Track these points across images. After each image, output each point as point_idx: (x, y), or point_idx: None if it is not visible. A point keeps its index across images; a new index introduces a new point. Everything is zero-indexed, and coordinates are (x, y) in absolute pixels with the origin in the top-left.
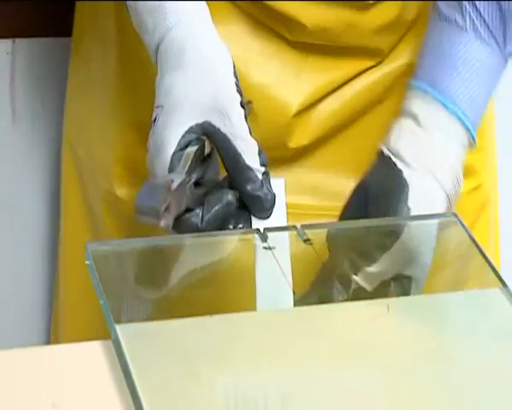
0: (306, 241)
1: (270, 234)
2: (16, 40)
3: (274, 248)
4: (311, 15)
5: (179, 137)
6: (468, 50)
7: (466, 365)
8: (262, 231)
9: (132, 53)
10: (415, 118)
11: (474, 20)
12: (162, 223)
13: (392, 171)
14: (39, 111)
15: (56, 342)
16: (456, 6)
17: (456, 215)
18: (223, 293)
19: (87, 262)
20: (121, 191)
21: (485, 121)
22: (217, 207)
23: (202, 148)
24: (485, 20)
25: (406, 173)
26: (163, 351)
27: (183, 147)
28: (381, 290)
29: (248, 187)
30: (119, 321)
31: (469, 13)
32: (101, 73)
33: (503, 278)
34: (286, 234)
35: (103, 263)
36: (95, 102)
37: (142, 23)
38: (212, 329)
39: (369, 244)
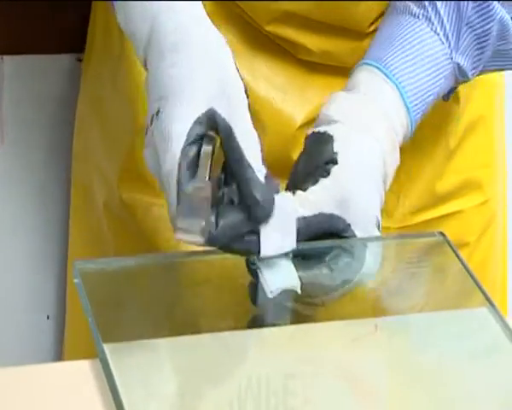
0: None
1: None
2: (4, 57)
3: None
4: (317, 41)
5: (187, 130)
6: (418, 34)
7: (453, 384)
8: None
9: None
10: (353, 86)
11: (430, 14)
12: (206, 240)
13: (320, 135)
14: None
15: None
16: (417, 2)
17: (443, 234)
18: (212, 311)
19: (75, 280)
20: (126, 196)
21: (494, 137)
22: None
23: (214, 146)
24: (441, 19)
25: (337, 131)
26: (151, 370)
27: (191, 141)
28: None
29: (248, 188)
30: (106, 340)
31: (427, 8)
32: (111, 84)
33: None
34: None
35: (92, 281)
36: (104, 115)
37: (130, 18)
38: (201, 348)
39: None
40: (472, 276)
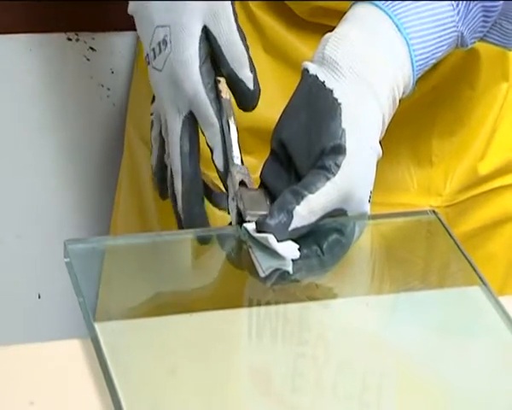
0: None
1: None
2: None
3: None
4: None
5: (197, 51)
6: None
7: (445, 363)
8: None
9: None
10: (357, 23)
11: None
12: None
13: (321, 91)
14: None
15: None
16: None
17: (435, 212)
18: (205, 290)
19: (66, 260)
20: None
21: None
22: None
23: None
24: None
25: (341, 88)
26: (142, 349)
27: (203, 59)
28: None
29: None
30: (97, 319)
31: None
32: None
33: None
34: None
35: (83, 260)
36: None
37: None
38: (192, 327)
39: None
40: (465, 254)
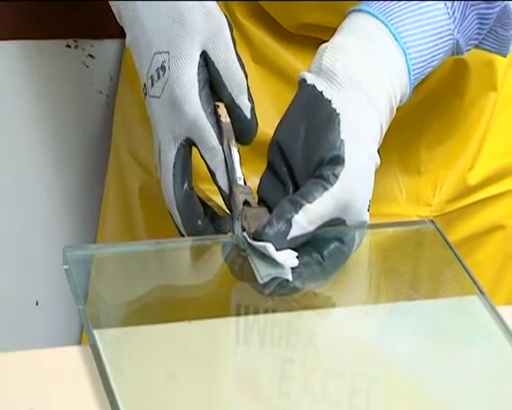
0: None
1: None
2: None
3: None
4: None
5: (196, 75)
6: None
7: (444, 371)
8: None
9: None
10: (353, 33)
11: None
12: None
13: (319, 101)
14: None
15: None
16: None
17: (433, 222)
18: (204, 298)
19: (65, 267)
20: None
21: None
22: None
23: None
24: None
25: (339, 98)
26: (141, 356)
27: (202, 84)
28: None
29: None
30: (96, 326)
31: None
32: None
33: None
34: None
35: (81, 268)
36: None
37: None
38: (191, 334)
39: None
40: (463, 264)
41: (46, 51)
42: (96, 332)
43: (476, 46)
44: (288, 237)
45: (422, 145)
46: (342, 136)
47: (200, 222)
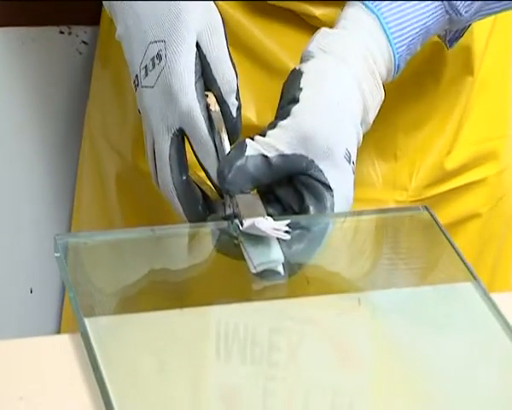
0: None
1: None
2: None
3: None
4: (324, 11)
5: (194, 64)
6: None
7: (436, 359)
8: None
9: None
10: (336, 23)
11: None
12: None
13: (292, 73)
14: None
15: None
16: None
17: (427, 208)
18: (196, 285)
19: (56, 255)
20: (142, 166)
21: (508, 106)
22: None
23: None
24: None
25: (308, 64)
26: (132, 344)
27: (198, 76)
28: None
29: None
30: (87, 314)
31: None
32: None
33: None
34: None
35: (72, 255)
36: (119, 87)
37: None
38: (182, 322)
39: None
40: (456, 250)
41: (39, 38)
42: (86, 320)
43: (482, 13)
44: (246, 154)
45: (399, 130)
46: (301, 85)
47: (200, 207)
